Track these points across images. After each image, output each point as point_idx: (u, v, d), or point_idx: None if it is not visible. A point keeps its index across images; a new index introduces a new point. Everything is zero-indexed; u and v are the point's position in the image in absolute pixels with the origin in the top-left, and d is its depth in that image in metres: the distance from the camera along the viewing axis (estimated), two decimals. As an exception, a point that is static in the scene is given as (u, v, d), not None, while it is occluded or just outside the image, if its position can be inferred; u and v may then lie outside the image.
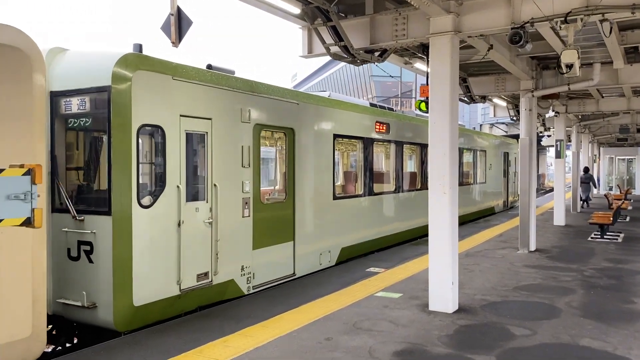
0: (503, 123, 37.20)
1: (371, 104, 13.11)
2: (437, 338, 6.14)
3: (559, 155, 18.47)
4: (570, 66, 6.98)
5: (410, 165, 15.10)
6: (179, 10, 5.65)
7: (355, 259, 11.37)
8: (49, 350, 7.17)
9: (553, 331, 6.43)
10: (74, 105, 6.59)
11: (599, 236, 14.66)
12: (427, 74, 9.10)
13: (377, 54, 8.52)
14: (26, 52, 5.28)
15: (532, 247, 12.46)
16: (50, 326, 7.13)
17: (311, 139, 9.81)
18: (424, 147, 14.66)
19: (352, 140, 11.65)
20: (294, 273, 9.35)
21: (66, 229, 6.57)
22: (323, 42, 7.93)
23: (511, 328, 6.54)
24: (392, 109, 14.27)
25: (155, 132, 6.82)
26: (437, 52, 7.28)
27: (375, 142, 12.23)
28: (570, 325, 6.68)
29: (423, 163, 14.78)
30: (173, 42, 5.66)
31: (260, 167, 8.61)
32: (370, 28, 7.94)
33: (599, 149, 39.94)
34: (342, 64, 58.61)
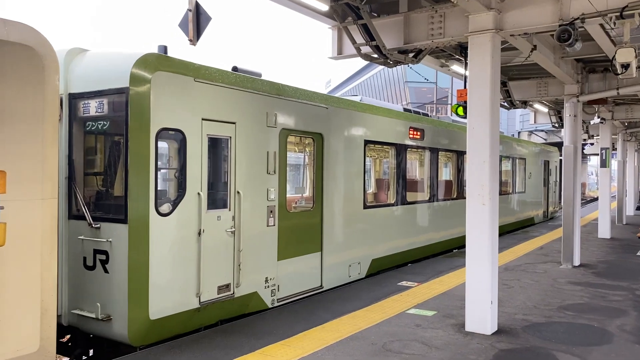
0: (542, 130, 36.06)
1: (405, 109, 12.60)
2: (474, 364, 5.59)
3: (604, 164, 17.52)
4: (626, 66, 6.34)
5: (446, 174, 14.49)
6: (197, 5, 5.31)
7: (387, 271, 10.84)
8: (66, 359, 6.93)
9: None
10: (92, 107, 6.33)
11: (649, 251, 13.72)
12: (465, 77, 8.57)
13: (411, 54, 8.03)
14: (39, 51, 5.01)
15: (577, 262, 11.69)
16: (69, 336, 6.89)
17: (341, 144, 9.36)
18: (460, 154, 14.04)
19: (384, 146, 11.16)
20: (321, 285, 8.90)
21: (82, 237, 6.29)
22: (353, 41, 7.49)
23: (557, 354, 5.93)
24: (427, 115, 13.72)
25: (176, 136, 6.50)
26: (476, 52, 6.75)
27: (408, 149, 11.70)
28: (625, 353, 6.02)
29: (459, 171, 14.15)
30: (191, 40, 5.32)
31: (287, 174, 8.21)
32: (404, 27, 7.45)
33: (645, 157, 38.20)
34: (377, 70, 58.20)
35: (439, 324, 7.02)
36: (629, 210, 26.50)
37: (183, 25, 5.40)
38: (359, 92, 61.39)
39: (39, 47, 5.01)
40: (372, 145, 10.68)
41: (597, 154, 21.22)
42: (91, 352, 6.70)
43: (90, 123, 6.43)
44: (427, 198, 12.65)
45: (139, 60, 6.05)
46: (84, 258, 6.30)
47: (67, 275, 6.41)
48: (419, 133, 12.03)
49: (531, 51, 8.26)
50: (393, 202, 11.22)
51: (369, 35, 7.28)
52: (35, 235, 5.00)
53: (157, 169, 6.16)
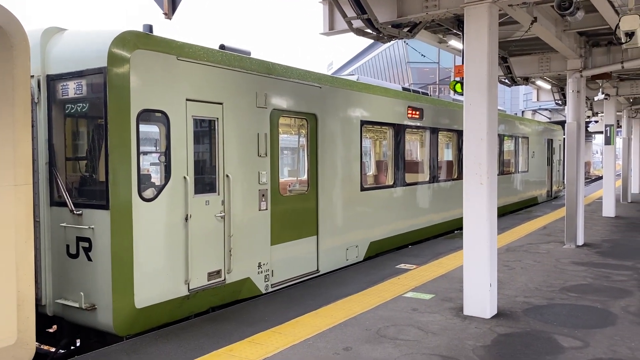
0: (546, 109, 35.59)
1: (404, 88, 12.26)
2: (471, 350, 5.36)
3: (608, 141, 17.15)
4: (630, 35, 6.01)
5: (447, 154, 14.20)
6: (172, -24, 5.02)
7: (386, 253, 10.63)
8: (53, 350, 6.75)
9: (608, 343, 5.56)
10: (71, 89, 6.06)
11: (655, 229, 13.45)
12: (463, 52, 8.24)
13: (406, 29, 7.69)
14: (5, 29, 4.72)
15: (580, 242, 11.43)
16: (55, 326, 6.72)
17: (336, 125, 9.07)
18: (461, 134, 13.70)
19: (382, 127, 10.86)
20: (317, 270, 8.69)
21: (64, 224, 6.06)
22: (344, 15, 7.16)
23: (559, 338, 5.70)
24: (426, 94, 13.38)
25: (158, 118, 6.23)
26: (473, 23, 6.42)
27: (407, 129, 11.40)
28: (629, 335, 5.78)
29: (460, 151, 13.85)
30: (166, 14, 5.02)
31: (279, 157, 7.95)
32: (397, -1, 7.12)
33: (650, 135, 37.71)
34: (378, 50, 57.48)
35: (437, 307, 6.80)
36: (634, 188, 26.18)
37: (158, -2, 5.11)
38: (361, 73, 60.77)
39: (5, 25, 4.72)
40: (369, 126, 10.39)
41: (602, 132, 20.83)
42: (78, 342, 6.52)
43: (70, 105, 6.16)
44: (427, 179, 12.38)
45: (117, 38, 5.76)
46: (67, 246, 6.08)
47: (50, 264, 6.20)
48: (417, 112, 11.72)
49: (531, 23, 7.92)
50: (392, 183, 10.96)
51: (360, 8, 6.95)
52: (8, 223, 4.77)
53: (139, 153, 5.91)
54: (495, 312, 6.57)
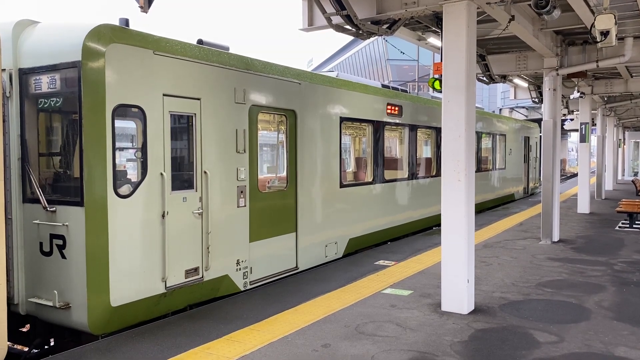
0: (523, 107, 36.09)
1: (383, 85, 12.29)
2: (449, 345, 5.40)
3: (583, 139, 17.45)
4: (605, 34, 6.09)
5: (425, 151, 14.28)
6: (148, -31, 4.94)
7: (365, 250, 10.65)
8: (26, 350, 6.62)
9: (583, 337, 5.65)
10: (44, 83, 5.92)
11: (628, 225, 13.71)
12: (441, 49, 8.28)
13: (385, 25, 7.69)
14: (-25, 21, 4.60)
15: (556, 238, 11.61)
16: (28, 325, 6.58)
17: (315, 122, 9.05)
18: (439, 131, 13.81)
19: (362, 123, 10.87)
20: (296, 266, 8.67)
21: (38, 221, 5.94)
22: (324, 11, 7.13)
23: (534, 333, 5.77)
24: (405, 91, 13.43)
25: (135, 113, 6.13)
26: (451, 21, 6.45)
27: (386, 126, 11.42)
28: (603, 330, 5.89)
29: (439, 148, 13.94)
30: (141, 7, 4.94)
31: (258, 153, 7.89)
32: (376, -5, 7.12)
33: (624, 133, 38.53)
34: (358, 47, 57.59)
35: (415, 303, 6.83)
36: (608, 185, 26.70)
37: (133, -9, 5.02)
38: (341, 70, 60.78)
39: (-25, 16, 4.60)
40: (349, 123, 10.38)
41: (577, 130, 21.19)
42: (52, 341, 6.40)
43: (43, 100, 6.02)
44: (405, 176, 12.43)
45: (91, 31, 5.64)
46: (40, 243, 5.95)
47: (23, 262, 6.07)
48: (397, 109, 11.76)
49: (509, 22, 7.98)
50: (371, 180, 10.98)
51: (340, 4, 6.93)
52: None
53: (114, 149, 5.80)
54: (472, 307, 6.63)
